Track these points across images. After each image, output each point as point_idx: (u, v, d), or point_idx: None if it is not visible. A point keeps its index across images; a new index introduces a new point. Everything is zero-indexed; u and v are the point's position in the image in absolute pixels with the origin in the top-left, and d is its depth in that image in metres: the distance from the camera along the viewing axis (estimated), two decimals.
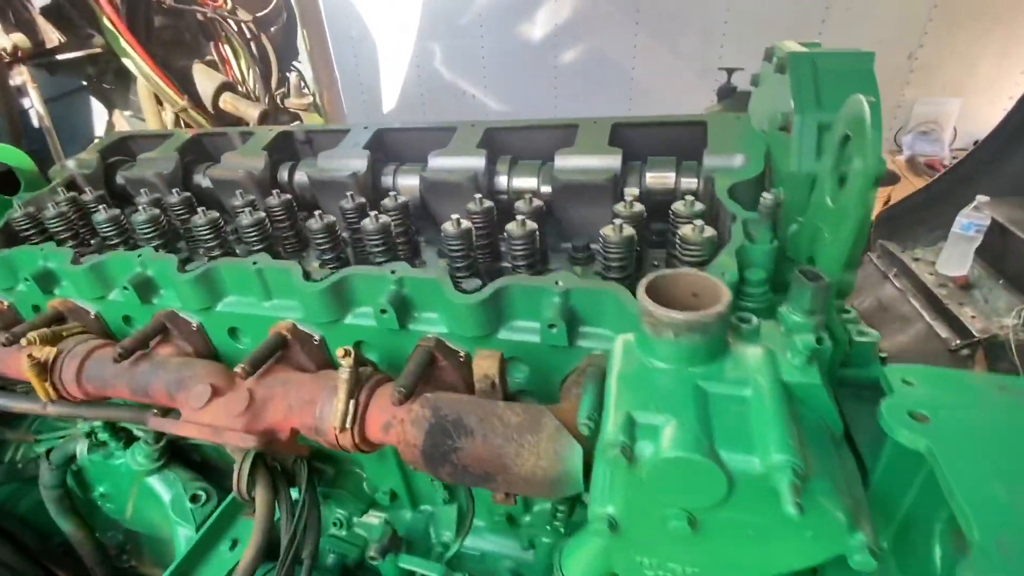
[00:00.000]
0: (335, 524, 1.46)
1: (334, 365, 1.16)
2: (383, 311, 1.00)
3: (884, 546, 0.73)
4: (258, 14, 2.56)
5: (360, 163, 1.36)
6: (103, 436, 1.43)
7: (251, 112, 2.34)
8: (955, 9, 4.15)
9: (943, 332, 2.38)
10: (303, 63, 2.91)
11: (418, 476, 1.37)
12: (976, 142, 4.46)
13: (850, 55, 0.97)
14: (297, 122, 2.79)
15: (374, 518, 1.46)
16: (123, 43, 1.94)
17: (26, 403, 1.22)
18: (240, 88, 2.52)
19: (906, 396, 0.63)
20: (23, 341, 1.14)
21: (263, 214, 1.23)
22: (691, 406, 0.63)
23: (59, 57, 1.92)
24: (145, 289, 1.20)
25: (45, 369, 1.13)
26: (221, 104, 2.34)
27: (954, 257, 2.60)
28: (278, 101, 2.73)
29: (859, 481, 0.66)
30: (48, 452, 1.48)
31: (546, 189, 1.26)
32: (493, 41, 5.51)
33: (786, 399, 0.63)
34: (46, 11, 1.81)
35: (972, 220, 2.51)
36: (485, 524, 1.36)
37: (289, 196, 1.30)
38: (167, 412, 1.19)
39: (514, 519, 1.30)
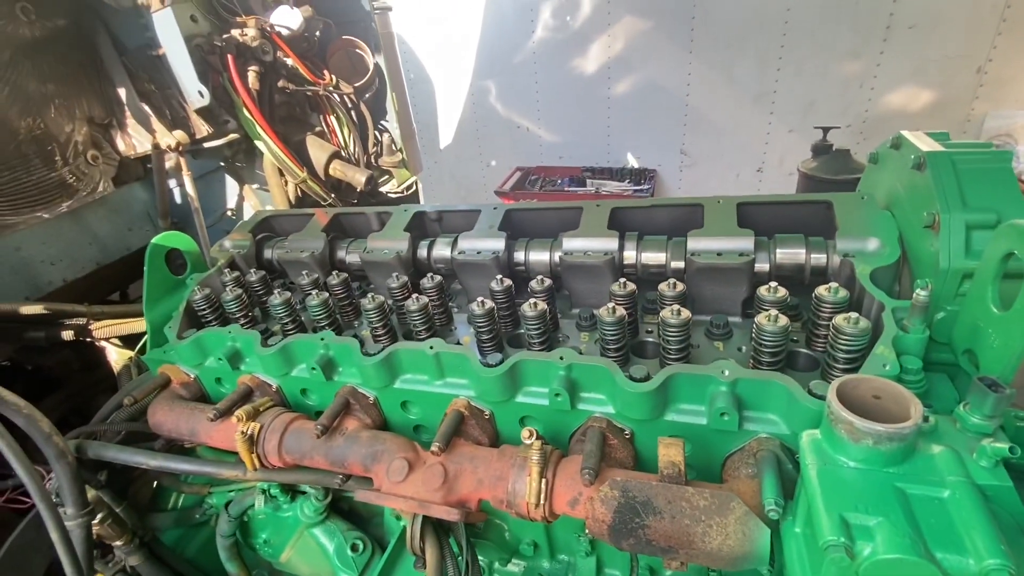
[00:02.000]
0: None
1: (500, 435, 1.30)
2: (557, 395, 1.13)
3: None
4: (356, 84, 2.79)
5: (499, 244, 1.52)
6: (275, 492, 1.61)
7: (358, 177, 2.56)
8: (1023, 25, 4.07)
9: None
10: (391, 122, 3.13)
11: (559, 531, 1.49)
12: None
13: (987, 153, 1.05)
14: (426, 203, 3.06)
15: (514, 567, 1.58)
16: (257, 128, 2.18)
17: (231, 470, 1.41)
18: (344, 153, 2.74)
19: None
20: (233, 418, 1.33)
21: (426, 299, 1.39)
22: (896, 507, 0.72)
23: (205, 145, 2.19)
24: (329, 368, 1.38)
25: (252, 442, 1.32)
26: (331, 171, 2.57)
27: None
28: (374, 161, 2.95)
29: None
30: (227, 504, 1.68)
31: (677, 265, 1.38)
32: (547, 76, 5.70)
33: (984, 500, 0.72)
34: (198, 112, 2.07)
35: None
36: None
37: (440, 279, 1.47)
38: (348, 479, 1.36)
39: (655, 574, 1.40)
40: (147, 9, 1.80)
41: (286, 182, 2.46)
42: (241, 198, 2.48)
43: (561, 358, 1.15)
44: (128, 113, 2.09)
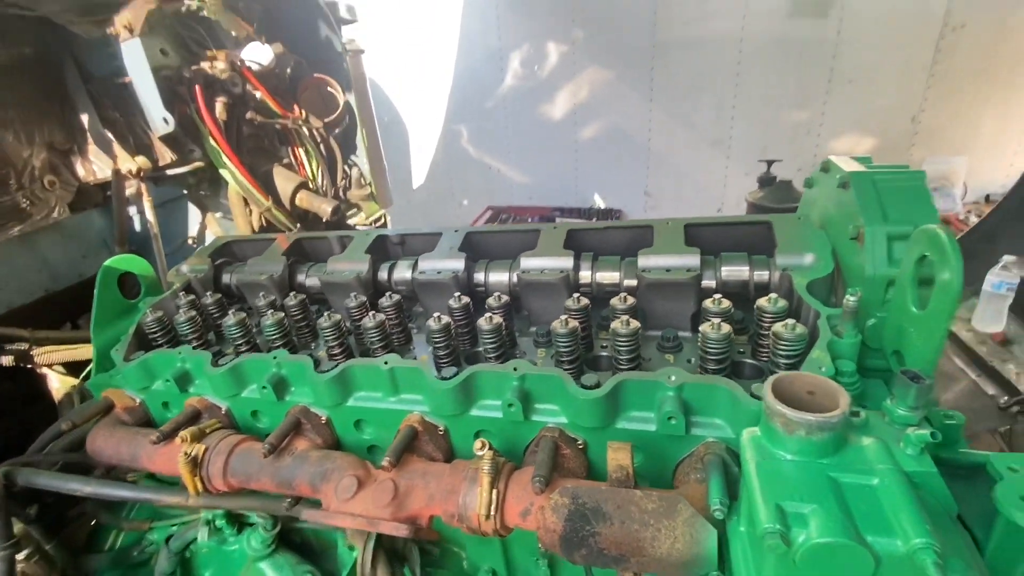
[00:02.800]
0: None
1: (455, 451, 1.28)
2: (510, 405, 1.13)
3: None
4: (327, 120, 2.85)
5: (458, 264, 1.54)
6: (221, 523, 1.53)
7: (324, 207, 2.58)
8: (952, 76, 4.46)
9: (990, 389, 2.45)
10: (360, 157, 3.18)
11: (518, 556, 1.45)
12: (987, 196, 4.67)
13: (903, 173, 1.14)
14: (384, 224, 3.07)
15: None
16: (223, 157, 2.20)
17: (171, 496, 1.34)
18: (311, 185, 2.77)
19: (1015, 481, 0.74)
20: (178, 440, 1.28)
21: (383, 316, 1.39)
22: (829, 495, 0.74)
23: (168, 172, 2.19)
24: (281, 387, 1.35)
25: (196, 464, 1.26)
26: (297, 202, 2.58)
27: (988, 314, 2.70)
28: (342, 193, 2.98)
29: (979, 558, 0.76)
30: (168, 539, 1.58)
31: (630, 283, 1.42)
32: (516, 121, 5.93)
33: (911, 486, 0.75)
34: (162, 139, 2.08)
35: (1002, 279, 2.63)
36: None
37: (399, 298, 1.47)
38: (297, 502, 1.30)
39: None
40: (115, 38, 1.84)
41: (251, 211, 2.45)
42: (203, 226, 2.46)
43: (515, 369, 1.16)
44: (90, 139, 2.09)
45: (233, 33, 2.45)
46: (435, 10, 5.56)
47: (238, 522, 1.56)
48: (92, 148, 2.10)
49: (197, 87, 2.08)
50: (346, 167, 3.14)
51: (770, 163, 3.70)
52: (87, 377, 1.79)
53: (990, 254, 2.73)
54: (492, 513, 1.03)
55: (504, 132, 6.02)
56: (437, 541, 1.48)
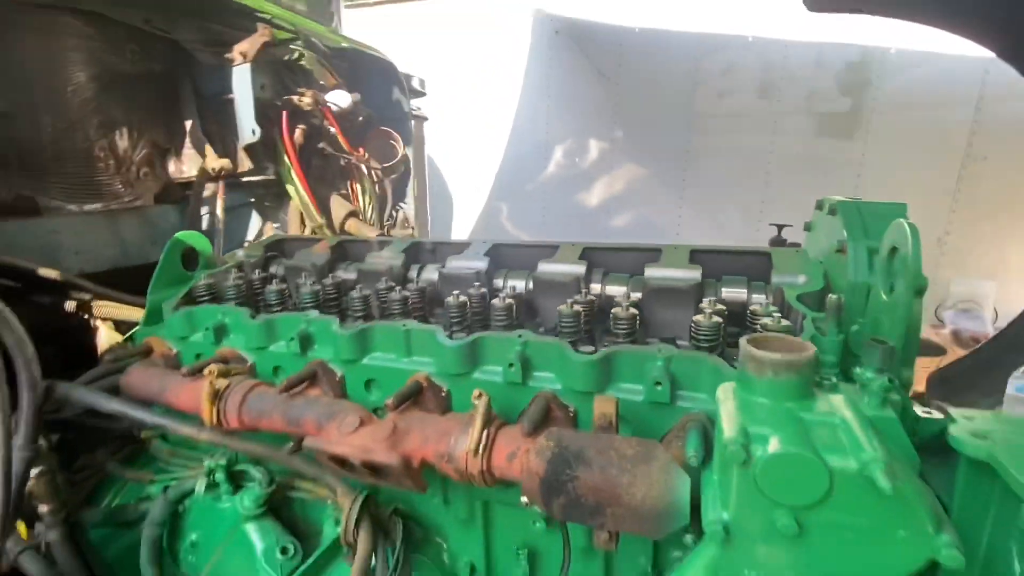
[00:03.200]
0: None
1: None
2: (511, 365, 1.22)
3: None
4: (385, 165, 3.20)
5: (482, 264, 1.70)
6: (220, 477, 1.58)
7: (369, 234, 2.83)
8: (977, 203, 4.64)
9: None
10: (408, 204, 3.50)
11: (499, 549, 1.44)
12: None
13: (886, 204, 1.28)
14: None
15: None
16: (293, 175, 2.51)
17: (187, 427, 1.43)
18: (361, 216, 3.05)
19: (967, 423, 0.78)
20: (205, 372, 1.40)
21: (407, 294, 1.54)
22: (792, 424, 0.80)
23: (243, 179, 2.50)
24: (306, 342, 1.48)
25: (216, 396, 1.37)
26: (347, 227, 2.85)
27: None
28: (386, 231, 3.26)
29: (939, 504, 0.78)
30: (166, 489, 1.63)
31: (636, 296, 1.53)
32: (553, 205, 6.35)
33: (870, 423, 0.80)
34: (246, 148, 2.41)
35: None
36: None
37: (425, 286, 1.63)
38: (299, 448, 1.37)
39: None
40: (229, 63, 2.24)
41: (304, 227, 2.72)
42: (261, 232, 2.73)
43: (519, 335, 1.26)
44: (187, 144, 2.44)
45: (321, 82, 2.89)
46: (493, 102, 6.24)
47: (235, 482, 1.62)
48: (186, 152, 2.45)
49: (284, 112, 2.44)
50: (394, 211, 3.45)
51: (780, 227, 3.81)
52: (131, 338, 1.95)
53: (1016, 362, 2.70)
54: (480, 451, 1.09)
55: (541, 214, 6.43)
56: (421, 523, 1.49)
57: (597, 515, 1.01)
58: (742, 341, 0.92)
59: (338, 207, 2.85)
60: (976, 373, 3.04)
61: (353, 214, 2.91)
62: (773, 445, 0.76)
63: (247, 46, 2.18)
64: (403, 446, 1.17)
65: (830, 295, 1.13)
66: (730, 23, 4.96)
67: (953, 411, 0.83)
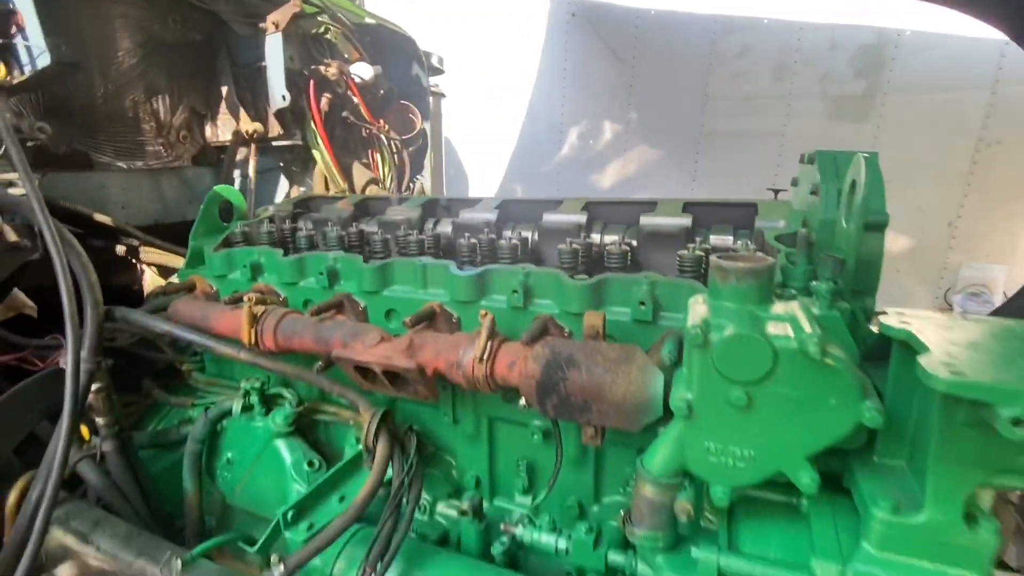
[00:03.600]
0: (419, 510, 1.67)
1: None
2: (515, 291, 1.38)
3: (903, 464, 0.94)
4: (404, 137, 3.36)
5: (492, 216, 1.85)
6: (254, 400, 1.77)
7: None
8: (989, 187, 4.64)
9: None
10: (424, 176, 3.66)
11: (501, 463, 1.60)
12: None
13: (870, 157, 1.39)
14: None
15: (452, 509, 1.66)
16: (319, 141, 2.68)
17: (228, 348, 1.61)
18: (380, 185, 3.22)
19: (897, 316, 0.92)
20: (245, 298, 1.58)
21: (424, 238, 1.70)
22: (747, 318, 0.94)
23: (273, 144, 2.68)
24: (333, 277, 1.65)
25: (254, 320, 1.55)
26: (367, 192, 3.02)
27: None
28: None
29: (868, 380, 0.91)
30: (206, 409, 1.83)
31: (633, 243, 1.67)
32: (567, 187, 6.46)
33: (816, 320, 0.93)
34: (276, 113, 2.59)
35: None
36: (556, 516, 1.53)
37: (441, 233, 1.79)
38: (327, 366, 1.55)
39: (584, 509, 1.48)
40: (263, 32, 2.41)
41: (328, 192, 2.90)
42: (288, 195, 2.92)
43: (523, 267, 1.41)
44: (222, 109, 2.63)
45: (345, 55, 3.05)
46: (510, 84, 6.35)
47: (267, 405, 1.81)
48: (221, 117, 2.64)
49: (311, 81, 2.61)
50: (411, 182, 3.61)
51: (776, 191, 3.89)
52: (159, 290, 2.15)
53: None
54: (485, 359, 1.25)
55: (556, 195, 6.53)
56: (433, 440, 1.66)
57: (585, 412, 1.16)
58: (712, 257, 1.05)
59: (359, 174, 3.02)
60: None
61: (374, 181, 3.07)
62: (728, 330, 0.91)
63: (279, 16, 2.35)
64: (419, 356, 1.34)
65: (800, 230, 1.26)
66: (745, 5, 4.99)
67: (889, 309, 0.97)
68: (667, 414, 1.09)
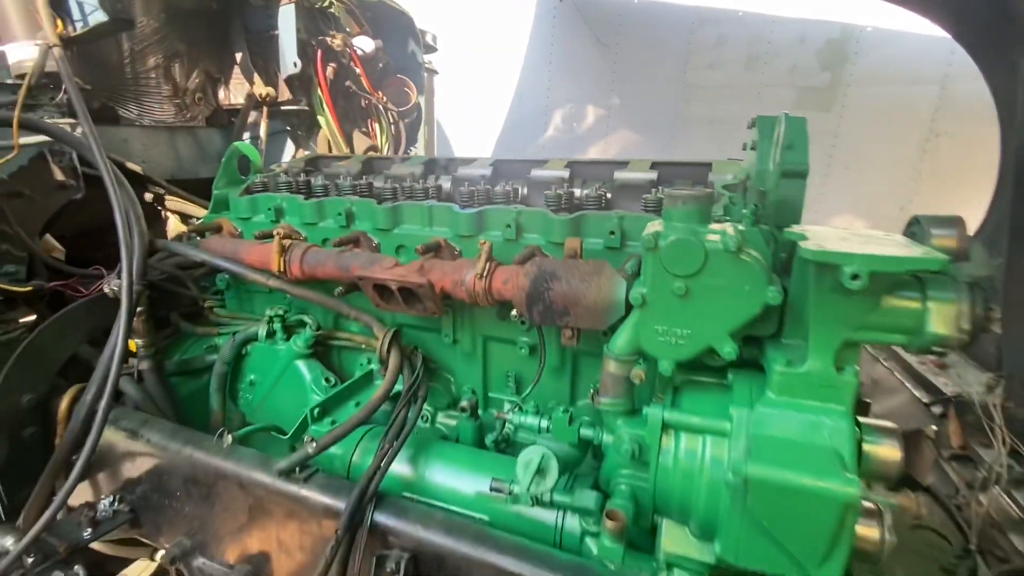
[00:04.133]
0: (422, 419, 1.95)
1: None
2: (508, 226, 1.66)
3: (800, 342, 1.25)
4: (401, 108, 3.59)
5: (487, 171, 2.12)
6: (276, 326, 2.02)
7: None
8: (937, 175, 5.07)
9: (922, 396, 2.80)
10: (418, 148, 3.90)
11: (493, 377, 1.89)
12: None
13: (795, 117, 1.70)
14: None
15: (452, 419, 1.94)
16: (325, 108, 2.91)
17: (258, 275, 1.86)
18: (377, 152, 3.46)
19: (800, 234, 1.22)
20: (275, 232, 1.83)
21: (428, 186, 1.96)
22: (689, 230, 1.23)
23: (282, 108, 2.89)
24: (350, 218, 1.91)
25: (283, 250, 1.80)
26: None
27: None
28: None
29: (774, 274, 1.21)
30: (234, 335, 2.07)
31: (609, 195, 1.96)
32: None
33: (741, 232, 1.23)
34: (286, 79, 2.80)
35: None
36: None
37: (439, 185, 2.05)
38: (347, 292, 1.81)
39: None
40: (276, 3, 2.62)
41: (331, 154, 3.12)
42: (294, 157, 3.14)
43: (515, 208, 1.69)
44: (235, 74, 2.83)
45: (348, 29, 3.26)
46: (498, 66, 6.57)
47: (288, 332, 2.06)
48: (234, 81, 2.84)
49: (319, 51, 2.83)
50: (406, 152, 3.85)
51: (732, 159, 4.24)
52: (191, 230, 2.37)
53: None
54: (484, 275, 1.53)
55: None
56: (435, 357, 1.94)
57: (564, 315, 1.46)
58: (665, 188, 1.35)
59: (359, 142, 3.26)
60: None
61: (372, 149, 3.31)
62: (671, 237, 1.20)
63: None
64: (429, 275, 1.61)
65: (739, 176, 1.56)
66: None
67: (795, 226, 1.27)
68: (627, 314, 1.38)
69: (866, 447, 1.17)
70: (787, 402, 1.16)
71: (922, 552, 2.15)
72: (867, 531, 1.15)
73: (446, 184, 2.20)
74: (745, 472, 1.04)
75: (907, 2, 3.28)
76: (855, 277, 0.95)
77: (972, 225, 4.04)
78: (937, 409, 2.71)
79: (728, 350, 1.21)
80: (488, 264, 1.54)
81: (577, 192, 2.01)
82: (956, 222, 1.14)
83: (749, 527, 1.11)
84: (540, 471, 1.30)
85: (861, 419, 1.22)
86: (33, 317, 1.89)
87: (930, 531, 2.28)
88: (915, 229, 1.19)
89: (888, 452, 1.15)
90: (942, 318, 1.02)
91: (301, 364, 2.00)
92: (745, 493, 1.07)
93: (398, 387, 1.72)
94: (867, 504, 1.20)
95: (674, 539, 1.30)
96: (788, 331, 1.27)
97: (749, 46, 5.38)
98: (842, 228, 1.27)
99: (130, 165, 2.20)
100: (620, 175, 1.91)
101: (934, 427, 2.78)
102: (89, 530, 1.71)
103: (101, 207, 1.79)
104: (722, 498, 1.16)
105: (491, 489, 1.39)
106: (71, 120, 1.84)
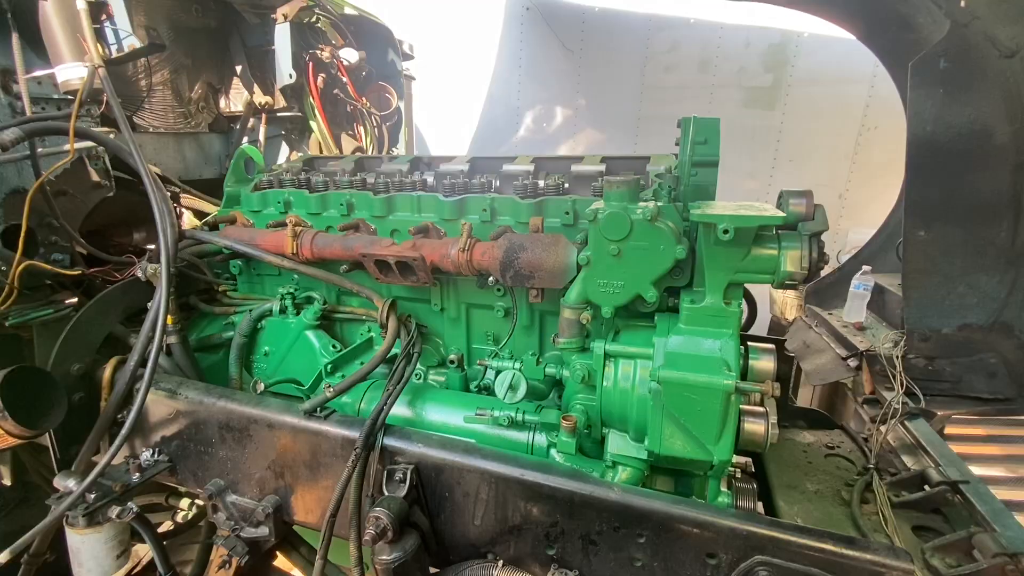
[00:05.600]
0: (416, 376, 2.31)
1: None
2: (484, 210, 2.04)
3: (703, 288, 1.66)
4: (383, 112, 3.94)
5: (465, 167, 2.49)
6: (287, 303, 2.36)
7: None
8: (870, 165, 5.63)
9: (842, 352, 3.29)
10: (399, 149, 4.25)
11: (475, 338, 2.27)
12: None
13: (708, 119, 2.11)
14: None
15: (441, 376, 2.31)
16: (317, 114, 3.24)
17: (274, 257, 2.20)
18: (363, 153, 3.80)
19: (696, 204, 1.63)
20: (287, 219, 2.17)
21: (415, 180, 2.33)
22: (620, 207, 1.63)
23: (277, 114, 3.22)
24: (351, 207, 2.26)
25: (295, 235, 2.15)
26: None
27: (852, 309, 3.59)
28: None
29: (684, 236, 1.62)
30: (250, 311, 2.40)
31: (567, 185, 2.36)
32: None
33: (659, 207, 1.64)
34: (281, 89, 3.13)
35: (861, 281, 3.55)
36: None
37: (424, 179, 2.42)
38: (351, 269, 2.16)
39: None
40: (273, 21, 2.94)
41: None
42: (288, 159, 3.46)
43: (491, 197, 2.08)
44: (235, 84, 3.13)
45: (333, 41, 3.59)
46: (470, 71, 6.93)
47: (297, 308, 2.40)
48: (234, 91, 3.15)
49: (311, 63, 3.16)
50: (389, 152, 4.19)
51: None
52: (206, 222, 2.69)
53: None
54: (466, 249, 1.90)
55: None
56: (427, 322, 2.31)
57: (530, 278, 1.85)
58: (605, 176, 1.74)
59: (346, 144, 3.59)
60: (839, 284, 4.02)
61: (359, 149, 3.65)
62: (607, 211, 1.60)
63: (288, 9, 2.88)
64: (420, 251, 1.98)
65: (662, 167, 1.97)
66: (675, 6, 5.77)
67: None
68: (579, 274, 1.78)
69: (750, 361, 1.59)
70: (692, 330, 1.57)
71: (831, 472, 2.62)
72: (754, 427, 1.58)
73: (430, 179, 2.57)
74: (658, 375, 1.44)
75: (819, 10, 3.74)
76: (725, 231, 1.36)
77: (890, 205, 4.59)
78: (853, 362, 3.20)
79: (651, 295, 1.62)
80: (469, 240, 1.92)
81: (541, 183, 2.42)
82: (806, 194, 1.56)
83: (667, 421, 1.52)
84: (512, 387, 1.69)
85: (749, 343, 1.65)
86: (75, 300, 2.19)
87: (840, 458, 2.75)
88: (781, 200, 1.61)
89: (765, 364, 1.58)
90: (791, 260, 1.45)
91: (310, 334, 2.34)
92: (660, 393, 1.47)
93: (396, 350, 2.08)
94: (757, 408, 1.62)
95: (617, 444, 1.71)
96: (697, 282, 1.69)
97: (700, 50, 5.87)
98: (735, 203, 1.68)
99: (151, 168, 2.50)
100: (576, 168, 2.31)
101: (848, 379, 3.28)
102: (136, 475, 2.02)
103: (120, 208, 2.10)
104: (647, 404, 1.56)
105: (476, 414, 1.78)
106: (107, 128, 2.14)
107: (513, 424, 1.78)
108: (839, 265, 4.22)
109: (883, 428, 2.69)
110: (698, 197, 1.87)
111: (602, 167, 2.28)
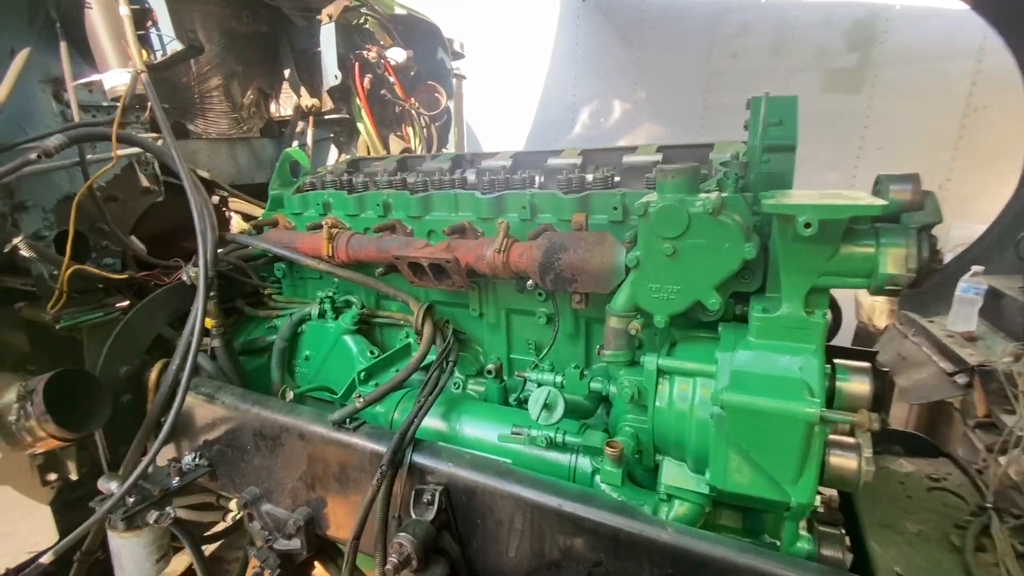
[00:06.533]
0: (455, 386, 2.18)
1: None
2: (524, 207, 1.86)
3: (779, 295, 1.40)
4: (432, 113, 3.86)
5: (507, 163, 2.33)
6: (326, 307, 2.30)
7: None
8: (977, 151, 4.93)
9: (947, 367, 2.83)
10: (449, 148, 4.16)
11: (516, 345, 2.10)
12: None
13: (784, 97, 1.83)
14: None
15: (480, 386, 2.16)
16: (364, 115, 3.20)
17: (310, 260, 2.14)
18: (412, 152, 3.73)
19: (769, 194, 1.37)
20: (324, 223, 2.10)
21: (455, 178, 2.19)
22: (675, 198, 1.40)
23: (325, 117, 3.21)
24: (387, 208, 2.16)
25: (331, 238, 2.07)
26: None
27: (960, 316, 3.10)
28: None
29: (753, 231, 1.36)
30: (291, 316, 2.37)
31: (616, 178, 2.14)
32: None
33: (723, 198, 1.39)
34: (328, 90, 3.11)
35: (970, 284, 3.06)
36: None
37: (465, 177, 2.28)
38: (387, 272, 2.06)
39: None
40: (318, 23, 2.93)
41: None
42: (336, 161, 3.45)
43: (530, 193, 1.90)
44: (284, 88, 3.16)
45: (381, 41, 3.55)
46: (525, 68, 6.79)
47: (336, 312, 2.34)
48: (283, 95, 3.17)
49: (357, 64, 3.12)
50: (438, 153, 4.11)
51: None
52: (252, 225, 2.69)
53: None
54: (502, 249, 1.74)
55: None
56: (465, 329, 2.17)
57: (573, 282, 1.65)
58: (658, 164, 1.52)
59: (394, 145, 3.54)
60: (939, 287, 3.51)
61: (407, 151, 3.59)
62: (659, 204, 1.38)
63: (332, 9, 2.86)
64: (455, 252, 1.84)
65: (736, 154, 1.71)
66: None
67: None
68: (627, 277, 1.56)
69: (839, 383, 1.31)
70: (765, 344, 1.31)
71: (937, 510, 2.22)
72: (844, 461, 1.30)
73: (471, 176, 2.43)
74: (722, 399, 1.21)
75: None
76: (807, 225, 1.11)
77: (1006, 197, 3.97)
78: (962, 379, 2.73)
79: (713, 302, 1.38)
80: (505, 240, 1.76)
81: (589, 177, 2.21)
82: (912, 178, 1.27)
83: (732, 452, 1.28)
84: (547, 406, 1.50)
85: (837, 361, 1.36)
86: (126, 303, 2.23)
87: (947, 492, 2.34)
88: (879, 187, 1.32)
89: (858, 386, 1.29)
90: (893, 260, 1.16)
91: (348, 339, 2.27)
92: (724, 419, 1.23)
93: (432, 356, 1.95)
94: (847, 439, 1.34)
95: (673, 474, 1.47)
96: (770, 286, 1.42)
97: (774, 32, 5.39)
98: (818, 192, 1.41)
99: (200, 172, 2.53)
100: (628, 159, 2.08)
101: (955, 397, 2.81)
102: (177, 479, 2.02)
103: (172, 213, 2.11)
104: (708, 431, 1.32)
105: (512, 433, 1.60)
106: (154, 134, 2.17)
107: (553, 445, 1.60)
108: (944, 265, 3.68)
109: (1003, 459, 2.26)
110: (772, 187, 1.60)
111: (658, 157, 2.04)
